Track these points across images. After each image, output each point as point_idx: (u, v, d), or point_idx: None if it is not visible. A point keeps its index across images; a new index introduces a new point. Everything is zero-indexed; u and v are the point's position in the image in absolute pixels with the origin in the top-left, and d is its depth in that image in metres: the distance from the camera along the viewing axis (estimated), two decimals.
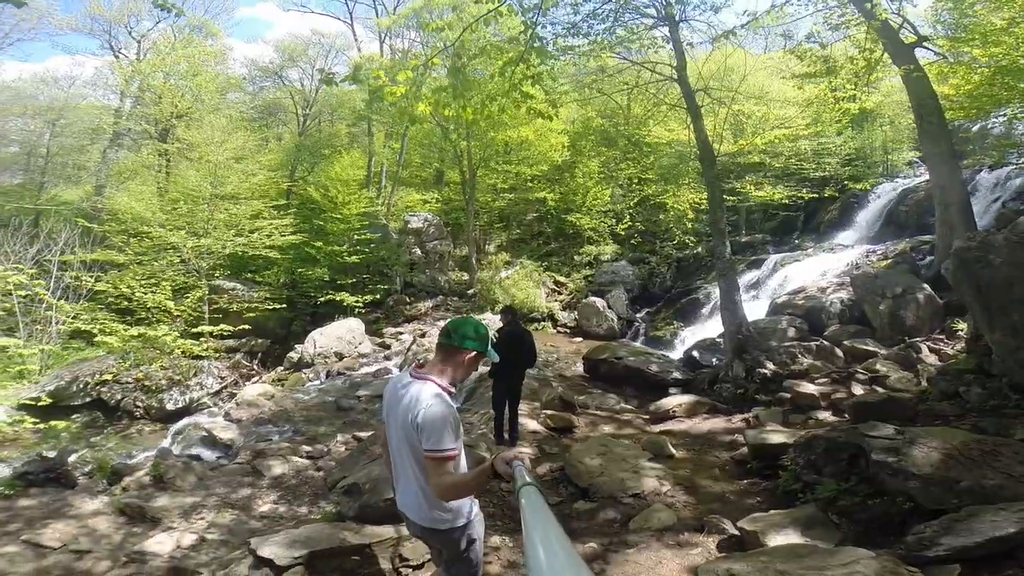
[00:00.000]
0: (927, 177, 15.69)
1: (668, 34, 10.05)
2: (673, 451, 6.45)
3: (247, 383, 14.14)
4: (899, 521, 3.81)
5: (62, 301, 13.29)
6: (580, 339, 15.92)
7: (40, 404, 10.90)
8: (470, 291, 17.56)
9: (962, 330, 7.66)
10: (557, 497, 5.53)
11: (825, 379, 7.45)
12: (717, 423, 7.59)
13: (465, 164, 17.33)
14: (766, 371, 7.92)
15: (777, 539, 3.78)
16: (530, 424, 7.49)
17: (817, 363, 7.90)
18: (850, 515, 4.09)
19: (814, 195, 16.66)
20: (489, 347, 2.32)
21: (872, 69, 11.37)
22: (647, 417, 8.11)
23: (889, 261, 12.05)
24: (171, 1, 5.20)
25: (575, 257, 19.19)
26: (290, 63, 20.73)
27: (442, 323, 16.06)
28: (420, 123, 18.27)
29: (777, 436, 5.94)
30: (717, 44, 10.37)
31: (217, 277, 15.66)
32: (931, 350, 7.45)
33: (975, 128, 16.56)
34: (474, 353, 2.25)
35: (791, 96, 13.70)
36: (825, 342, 8.44)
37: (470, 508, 2.29)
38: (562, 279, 18.74)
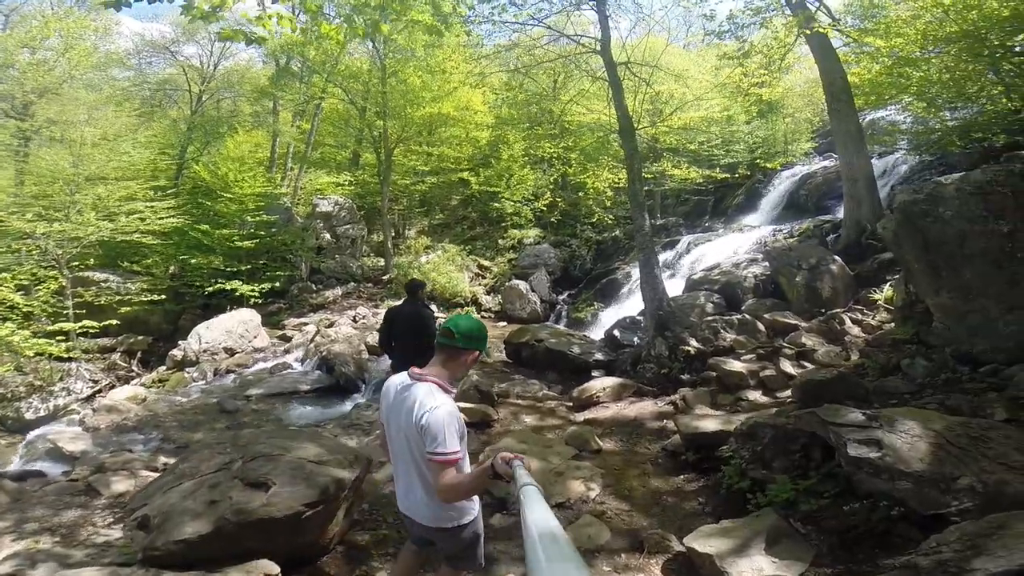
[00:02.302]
0: (824, 164, 16.19)
1: (595, 6, 9.18)
2: (600, 443, 5.43)
3: (124, 386, 11.82)
4: (882, 530, 2.93)
5: None
6: (504, 323, 14.88)
7: None
8: (385, 277, 15.90)
9: (879, 300, 7.25)
10: None
11: (751, 355, 6.75)
12: (644, 407, 6.70)
13: (380, 144, 15.53)
14: (689, 348, 7.13)
15: (740, 565, 2.77)
16: None
17: (740, 338, 7.21)
18: (818, 522, 3.19)
19: (727, 175, 16.51)
20: (485, 344, 2.25)
21: (786, 52, 11.12)
22: (571, 404, 7.09)
23: (795, 238, 11.88)
24: None
25: (499, 241, 18.06)
26: (186, 37, 17.65)
27: (351, 312, 14.51)
28: (330, 97, 16.32)
29: (711, 422, 5.07)
30: (643, 19, 9.66)
31: (84, 268, 12.97)
32: (853, 321, 6.96)
33: (866, 119, 17.20)
34: (476, 353, 2.21)
35: (708, 79, 13.19)
36: (746, 316, 7.80)
37: (476, 503, 2.27)
38: (486, 263, 17.53)
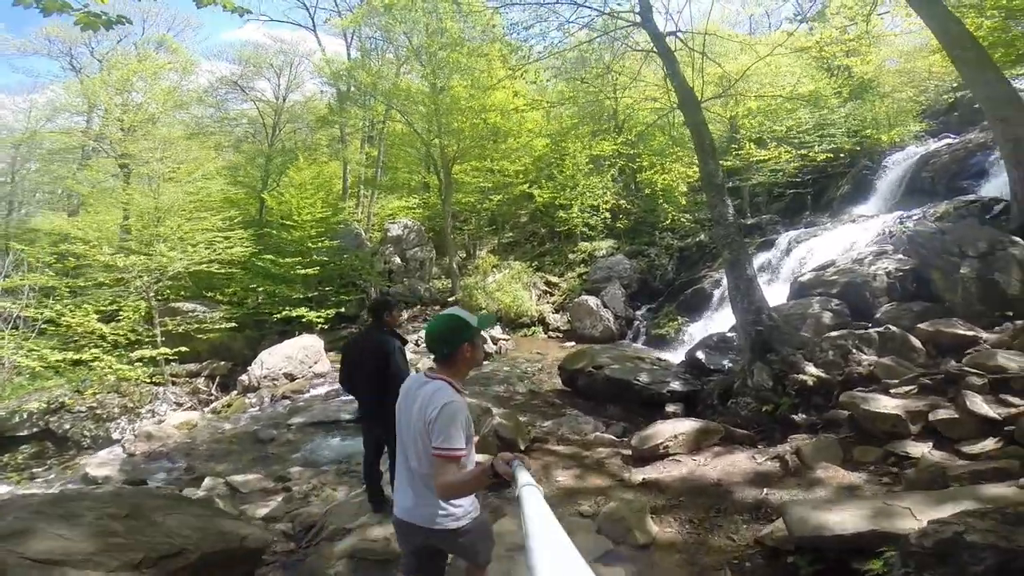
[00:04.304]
0: (946, 142, 12.53)
1: None
2: (651, 529, 3.31)
3: (204, 409, 11.69)
4: None
5: None
6: (573, 344, 12.87)
7: None
8: (451, 299, 14.62)
9: None
10: None
11: (908, 387, 4.18)
12: (735, 463, 4.39)
13: (438, 162, 14.51)
14: (806, 377, 4.69)
15: None
16: None
17: (886, 361, 4.61)
18: None
19: (829, 155, 13.17)
20: (476, 322, 2.02)
21: (871, 12, 8.37)
22: (629, 452, 4.94)
23: (933, 220, 8.69)
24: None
25: (569, 255, 16.12)
26: (254, 72, 18.26)
27: (415, 336, 13.30)
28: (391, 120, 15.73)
29: (849, 514, 2.75)
30: None
31: (174, 298, 13.19)
32: None
33: None
34: (464, 345, 1.99)
35: (780, 49, 10.47)
36: (892, 328, 5.10)
37: (473, 504, 2.09)
38: (554, 279, 15.66)
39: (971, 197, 9.59)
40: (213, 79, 18.09)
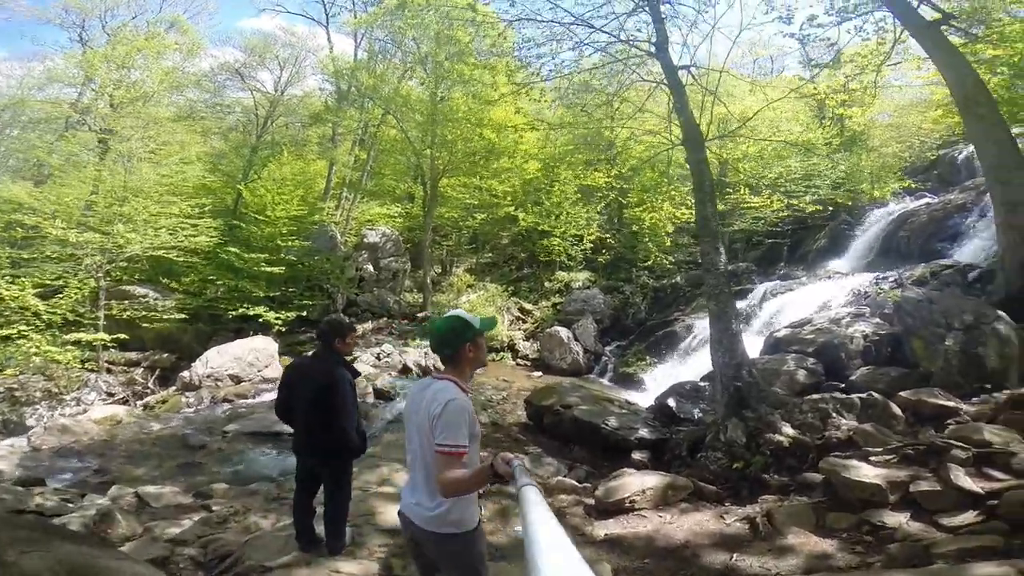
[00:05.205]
0: (926, 201, 12.79)
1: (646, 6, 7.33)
2: None
3: (136, 403, 10.77)
4: None
5: None
6: (540, 374, 12.47)
7: None
8: (421, 314, 14.08)
9: None
10: None
11: (890, 455, 3.93)
12: (702, 522, 4.04)
13: (427, 173, 14.17)
14: (781, 438, 4.42)
15: None
16: (386, 521, 3.90)
17: (866, 427, 4.38)
18: None
19: (818, 207, 13.29)
20: (478, 323, 2.06)
21: (883, 62, 8.50)
22: (592, 502, 4.52)
23: (907, 288, 8.64)
24: None
25: (546, 283, 15.82)
26: (257, 61, 17.78)
27: (377, 349, 12.65)
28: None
29: None
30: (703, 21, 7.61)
31: (127, 281, 12.29)
32: None
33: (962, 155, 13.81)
34: (467, 345, 2.04)
35: (787, 95, 10.58)
36: (875, 395, 4.90)
37: (474, 518, 2.02)
38: (528, 306, 15.31)
39: (947, 262, 9.45)
40: (215, 64, 17.48)
